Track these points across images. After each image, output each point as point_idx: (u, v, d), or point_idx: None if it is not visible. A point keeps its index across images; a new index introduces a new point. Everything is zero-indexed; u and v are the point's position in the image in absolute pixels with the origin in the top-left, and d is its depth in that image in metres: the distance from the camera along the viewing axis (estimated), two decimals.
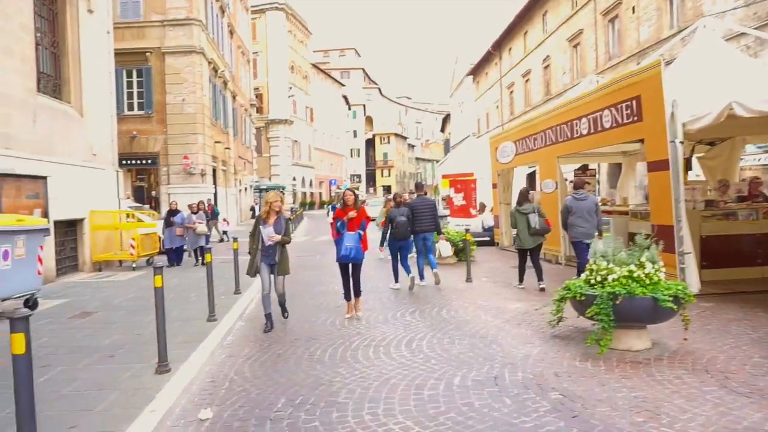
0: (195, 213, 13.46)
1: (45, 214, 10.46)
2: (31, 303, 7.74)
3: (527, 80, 33.83)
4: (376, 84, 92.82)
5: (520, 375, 4.64)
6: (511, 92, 37.45)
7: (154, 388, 4.36)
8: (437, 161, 43.36)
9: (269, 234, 6.41)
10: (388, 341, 5.91)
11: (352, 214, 6.93)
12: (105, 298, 8.81)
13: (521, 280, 9.12)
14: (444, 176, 22.40)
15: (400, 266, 9.29)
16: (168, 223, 13.23)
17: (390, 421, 3.77)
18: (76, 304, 8.29)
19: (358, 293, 7.26)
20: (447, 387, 4.45)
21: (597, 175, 20.55)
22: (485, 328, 6.42)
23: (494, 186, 15.44)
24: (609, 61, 22.24)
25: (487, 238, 16.52)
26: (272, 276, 6.69)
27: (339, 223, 6.90)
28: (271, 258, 6.57)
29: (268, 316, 6.60)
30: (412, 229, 9.12)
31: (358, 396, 4.30)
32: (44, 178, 10.43)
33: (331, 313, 7.47)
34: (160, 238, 13.85)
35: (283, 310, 7.09)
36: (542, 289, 8.60)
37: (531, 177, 20.41)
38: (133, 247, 11.85)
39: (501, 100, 39.74)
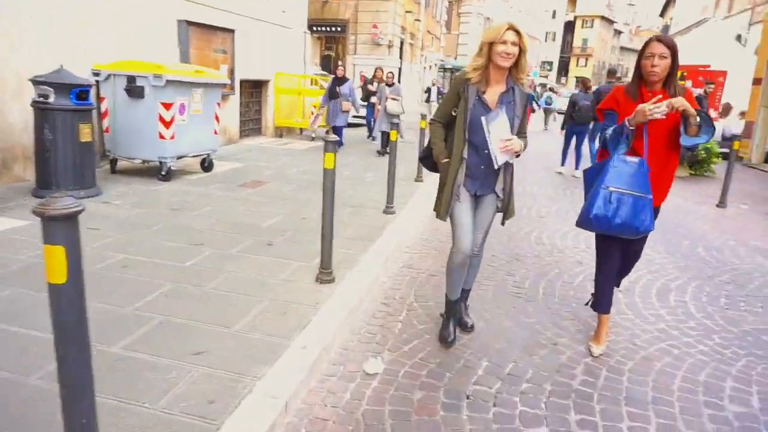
0: (390, 85, 10.48)
1: (231, 72, 9.96)
2: (206, 164, 7.26)
3: None
4: None
5: None
6: None
7: (310, 305, 3.21)
8: None
9: (501, 138, 2.69)
10: (629, 283, 4.09)
11: (656, 110, 2.58)
12: (280, 167, 8.13)
13: None
14: None
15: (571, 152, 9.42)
16: (332, 94, 10.30)
17: None
18: (250, 170, 7.70)
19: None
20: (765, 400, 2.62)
21: None
22: None
23: (758, 82, 11.55)
24: None
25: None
26: (477, 220, 2.96)
27: (611, 131, 2.80)
28: (485, 182, 2.89)
29: (452, 314, 3.12)
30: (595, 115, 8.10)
31: (594, 384, 2.70)
32: (232, 31, 9.77)
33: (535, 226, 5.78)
34: (312, 113, 11.54)
35: (465, 298, 3.32)
36: None
37: None
38: (314, 114, 11.08)
39: None
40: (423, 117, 7.41)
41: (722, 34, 21.03)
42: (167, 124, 6.21)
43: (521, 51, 2.68)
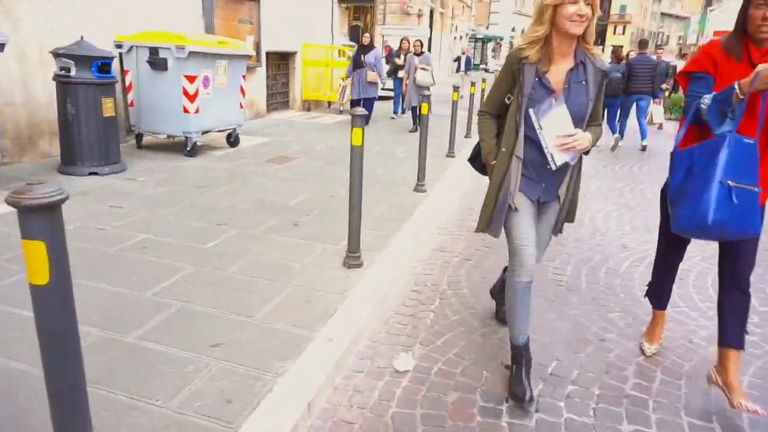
0: (419, 54, 9.67)
1: (258, 44, 9.72)
2: (233, 139, 7.09)
3: None
4: None
5: None
6: None
7: (337, 293, 3.02)
8: (688, 18, 34.01)
9: (560, 133, 2.14)
10: (682, 271, 3.76)
11: None
12: (308, 142, 7.91)
13: None
14: (718, 33, 17.12)
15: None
16: (357, 64, 9.38)
17: None
18: (278, 145, 7.51)
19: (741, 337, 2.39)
20: None
21: None
22: None
23: None
24: None
25: None
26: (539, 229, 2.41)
27: (710, 100, 2.13)
28: (550, 185, 2.35)
29: (522, 363, 2.33)
30: (625, 88, 8.78)
31: (648, 389, 2.43)
32: (258, 0, 9.49)
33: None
34: (340, 85, 10.80)
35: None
36: None
37: None
38: (341, 87, 10.77)
39: None
40: (455, 88, 7.06)
41: None
42: (191, 98, 6.04)
43: (592, 11, 2.03)
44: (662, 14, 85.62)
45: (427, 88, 8.59)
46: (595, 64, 2.17)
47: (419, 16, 21.73)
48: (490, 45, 41.98)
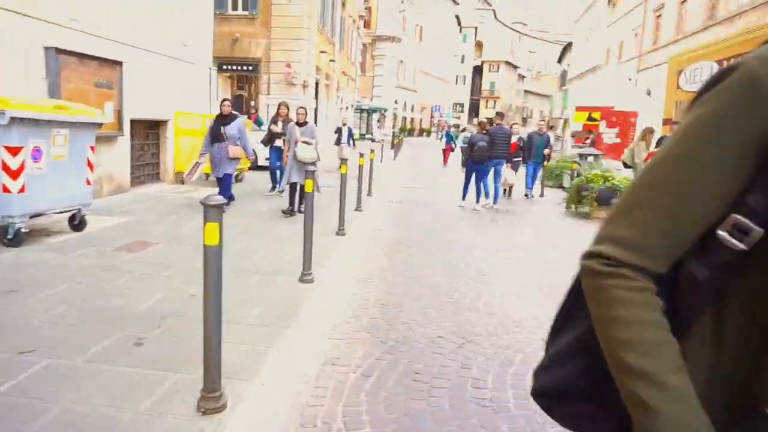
0: (301, 125, 7.78)
1: (119, 111, 8.58)
2: (77, 221, 5.84)
3: (683, 1, 27.82)
4: (491, 6, 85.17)
5: None
6: (659, 16, 31.34)
7: None
8: (549, 96, 38.06)
9: None
10: None
11: None
12: (175, 222, 6.81)
13: None
14: (579, 108, 18.67)
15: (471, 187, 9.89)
16: (216, 137, 7.62)
17: None
18: (136, 227, 6.33)
19: None
20: None
21: None
22: None
23: (669, 122, 11.77)
24: None
25: None
26: None
27: None
28: None
29: None
30: (489, 155, 9.59)
31: None
32: (119, 63, 8.43)
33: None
34: (195, 162, 8.10)
35: None
36: None
37: None
38: (195, 164, 9.67)
39: (643, 26, 33.59)
40: (343, 161, 6.45)
41: (617, 79, 22.21)
42: (13, 174, 4.80)
43: None
44: (525, 91, 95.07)
45: (312, 163, 7.10)
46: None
47: (304, 86, 21.55)
48: (375, 116, 43.26)
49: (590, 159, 12.05)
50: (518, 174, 11.53)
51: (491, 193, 10.23)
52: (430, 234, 7.53)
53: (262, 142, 9.94)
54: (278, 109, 9.37)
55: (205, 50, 11.76)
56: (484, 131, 9.85)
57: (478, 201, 10.00)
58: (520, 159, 11.39)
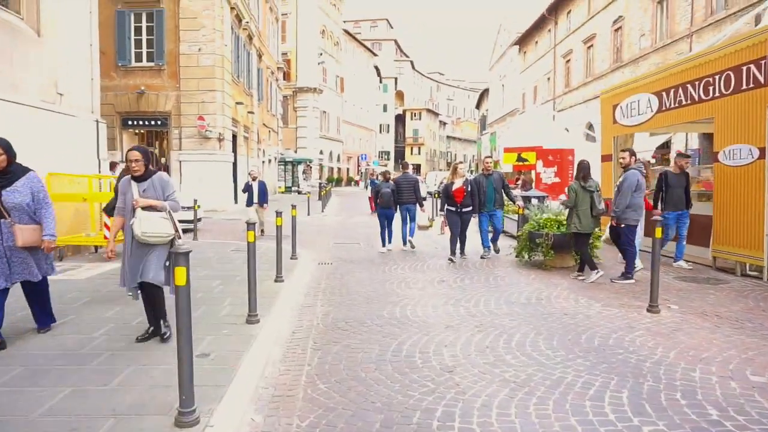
0: (140, 178, 4.66)
1: None
2: None
3: (590, 46, 29.37)
4: (408, 57, 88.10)
5: None
6: (568, 62, 33.06)
7: None
8: (470, 140, 38.89)
9: None
10: None
11: None
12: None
13: (595, 268, 7.46)
14: (508, 150, 18.55)
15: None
16: (108, 210, 7.10)
17: None
18: None
19: None
20: None
21: None
22: None
23: (606, 158, 11.45)
24: (711, 17, 17.49)
25: None
26: None
27: None
28: None
29: None
30: (395, 200, 10.45)
31: None
32: None
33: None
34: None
35: None
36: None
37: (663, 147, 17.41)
38: (107, 227, 8.18)
39: (554, 71, 35.35)
40: (249, 226, 5.19)
41: (539, 119, 22.64)
42: None
43: None
44: (448, 137, 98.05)
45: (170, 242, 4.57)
46: None
47: (220, 140, 20.24)
48: (300, 167, 42.17)
49: (535, 201, 11.41)
50: (471, 229, 9.84)
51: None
52: (369, 304, 6.23)
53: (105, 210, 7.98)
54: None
55: (86, 100, 10.11)
56: (387, 180, 10.89)
57: (383, 245, 10.56)
58: (470, 209, 9.41)
